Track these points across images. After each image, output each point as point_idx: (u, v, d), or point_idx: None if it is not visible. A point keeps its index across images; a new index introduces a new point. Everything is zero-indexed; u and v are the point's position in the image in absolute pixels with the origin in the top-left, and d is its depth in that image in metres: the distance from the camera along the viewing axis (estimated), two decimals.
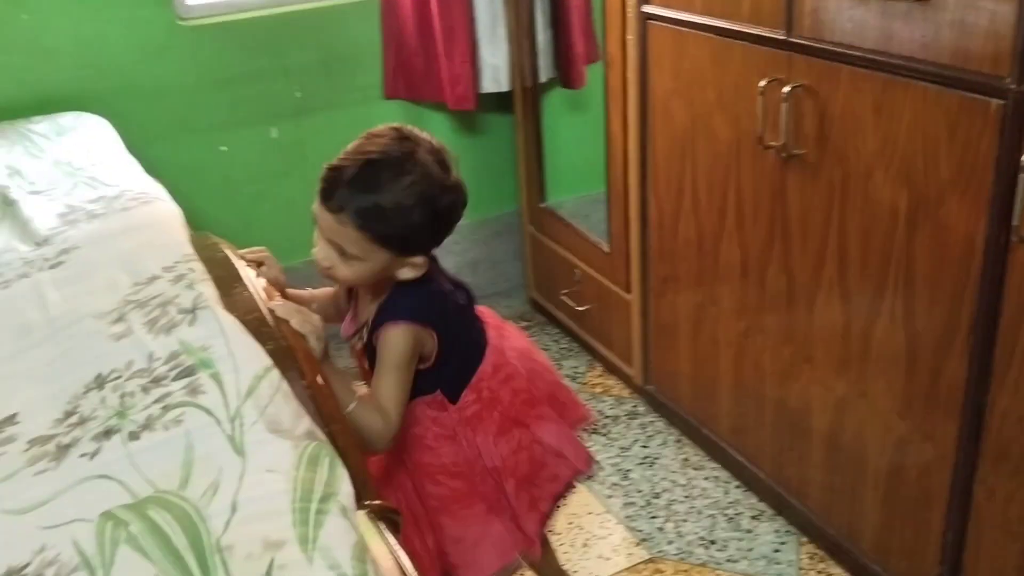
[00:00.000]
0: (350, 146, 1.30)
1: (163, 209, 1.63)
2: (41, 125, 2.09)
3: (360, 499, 1.02)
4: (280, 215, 2.60)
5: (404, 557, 0.96)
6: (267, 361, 1.09)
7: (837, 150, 1.54)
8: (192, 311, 1.19)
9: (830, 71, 1.51)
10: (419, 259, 1.32)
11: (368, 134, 1.31)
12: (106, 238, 1.49)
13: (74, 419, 1.03)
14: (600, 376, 2.50)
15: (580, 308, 2.54)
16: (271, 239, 2.60)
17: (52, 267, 1.42)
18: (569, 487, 1.53)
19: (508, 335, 1.51)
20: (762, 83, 1.63)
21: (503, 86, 2.56)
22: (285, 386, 1.06)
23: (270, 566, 0.79)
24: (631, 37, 2.00)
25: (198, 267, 1.31)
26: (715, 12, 1.74)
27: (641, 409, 2.35)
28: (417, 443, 1.43)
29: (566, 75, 2.56)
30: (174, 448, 0.96)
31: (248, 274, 1.35)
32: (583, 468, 1.51)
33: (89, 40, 2.24)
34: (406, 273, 1.33)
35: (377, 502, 1.04)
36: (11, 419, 1.05)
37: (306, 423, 1.02)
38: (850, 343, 1.61)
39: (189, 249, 1.38)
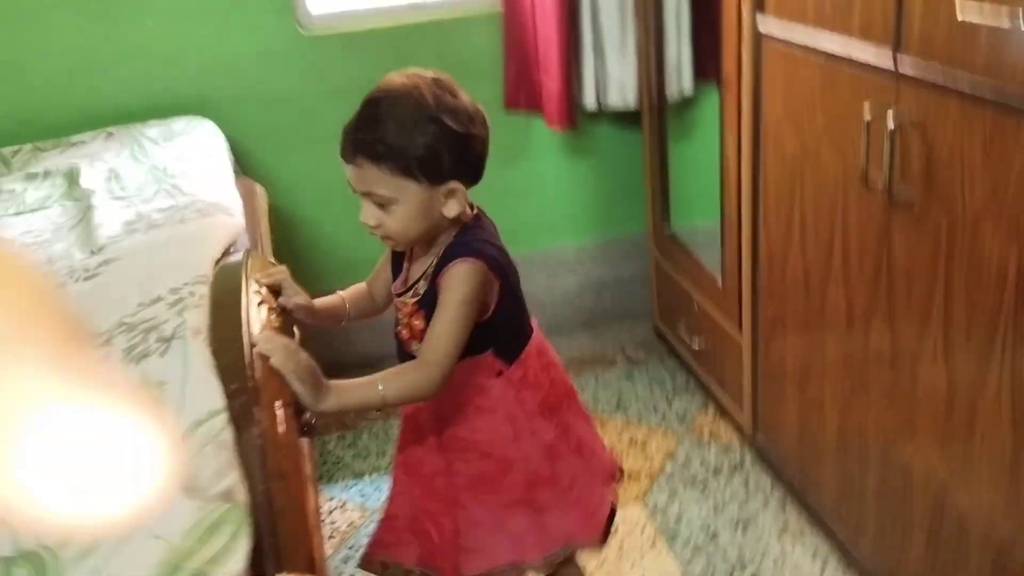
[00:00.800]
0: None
1: (216, 223, 1.61)
2: (154, 130, 2.15)
3: (285, 565, 0.93)
4: None
5: None
6: (217, 405, 1.02)
7: (943, 195, 1.28)
8: (169, 340, 1.14)
9: (938, 103, 1.26)
10: (454, 185, 1.26)
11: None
12: (143, 252, 1.48)
13: None
14: (711, 420, 2.29)
15: (696, 344, 2.34)
16: (380, 252, 2.58)
17: (87, 279, 1.42)
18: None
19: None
20: (867, 115, 1.39)
21: (630, 103, 2.40)
22: (225, 434, 0.99)
23: None
24: (746, 56, 1.80)
25: (201, 291, 1.27)
26: (826, 23, 1.51)
27: (747, 462, 2.12)
28: (456, 412, 1.37)
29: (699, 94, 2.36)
30: None
31: (254, 301, 1.28)
32: (614, 468, 1.50)
33: (211, 47, 2.29)
34: (451, 208, 1.27)
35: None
36: None
37: (230, 481, 0.94)
38: (954, 414, 1.35)
39: (205, 270, 1.34)
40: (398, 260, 1.42)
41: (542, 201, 2.65)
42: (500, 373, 1.36)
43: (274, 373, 1.14)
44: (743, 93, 1.84)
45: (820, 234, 1.65)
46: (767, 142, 1.80)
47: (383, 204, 1.26)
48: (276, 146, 2.41)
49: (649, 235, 2.57)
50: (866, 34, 1.40)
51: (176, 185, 1.83)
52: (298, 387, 1.16)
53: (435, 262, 1.31)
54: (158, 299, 1.26)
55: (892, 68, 1.34)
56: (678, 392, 2.42)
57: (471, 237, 1.32)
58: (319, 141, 2.42)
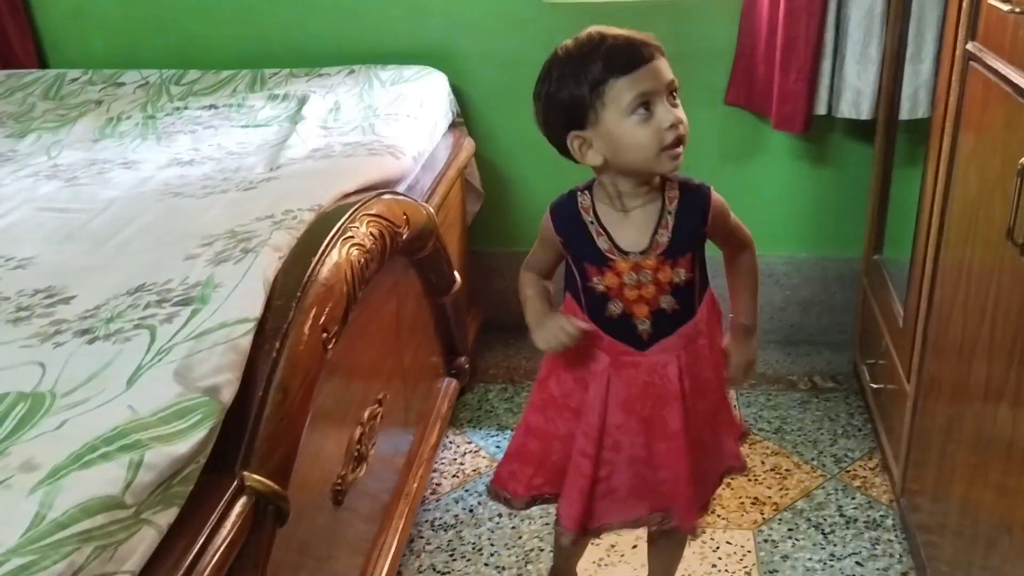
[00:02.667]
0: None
1: (375, 162, 1.76)
2: (388, 72, 2.34)
3: (251, 466, 1.04)
4: None
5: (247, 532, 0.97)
6: (250, 313, 1.14)
7: None
8: (247, 252, 1.28)
9: None
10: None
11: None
12: (296, 176, 1.66)
13: (91, 312, 1.19)
14: (869, 468, 2.11)
15: (875, 385, 2.16)
16: None
17: (246, 190, 1.62)
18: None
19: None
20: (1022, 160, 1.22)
21: (863, 114, 2.23)
22: (243, 341, 1.11)
23: (7, 480, 0.85)
24: (954, 83, 1.61)
25: (306, 217, 1.40)
26: (1018, 57, 1.33)
27: (888, 522, 1.94)
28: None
29: None
30: (98, 360, 1.06)
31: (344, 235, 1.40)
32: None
33: (458, 4, 2.43)
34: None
35: (259, 478, 1.04)
36: (67, 299, 1.24)
37: (222, 379, 1.05)
38: None
39: (324, 201, 1.48)
40: (579, 233, 1.37)
41: (757, 205, 2.54)
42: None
43: (336, 301, 1.25)
44: (947, 123, 1.66)
45: (977, 293, 1.47)
46: (957, 179, 1.61)
47: (675, 97, 1.27)
48: (501, 105, 2.51)
49: (864, 260, 2.39)
50: None
51: (373, 124, 1.99)
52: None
53: (666, 209, 1.34)
54: (270, 216, 1.42)
55: None
56: (848, 433, 2.25)
57: (684, 176, 1.37)
58: None
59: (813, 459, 2.15)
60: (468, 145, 2.35)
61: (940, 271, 1.69)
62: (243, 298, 1.17)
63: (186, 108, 2.20)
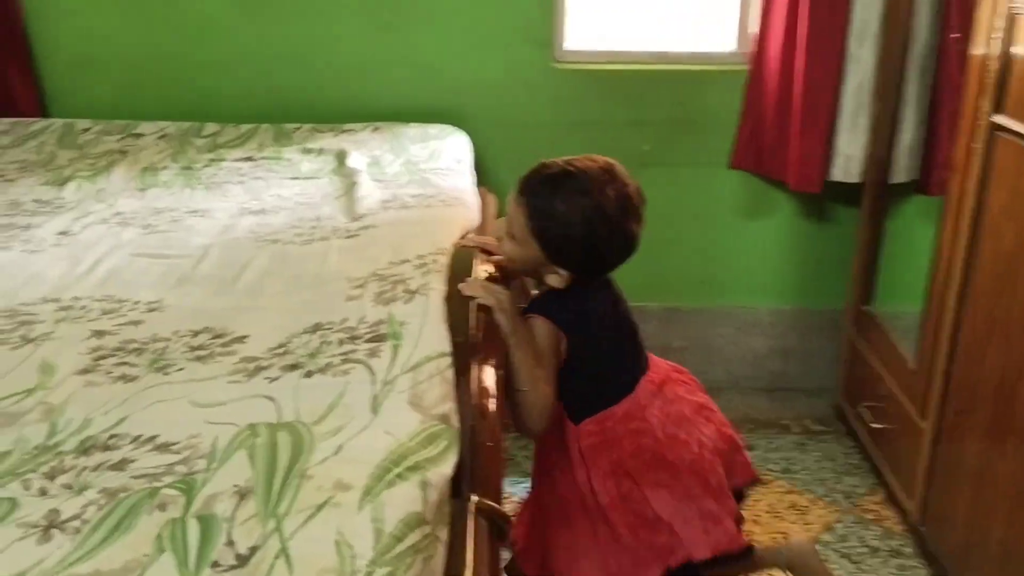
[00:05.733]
0: (570, 157, 1.46)
1: (456, 213, 1.82)
2: (413, 130, 2.42)
3: (476, 490, 1.09)
4: None
5: (486, 551, 1.01)
6: (445, 348, 1.20)
7: None
8: (414, 293, 1.34)
9: None
10: (564, 272, 1.44)
11: (587, 156, 1.46)
12: (396, 224, 1.71)
13: (281, 350, 1.22)
14: (878, 503, 2.29)
15: (876, 425, 2.35)
16: None
17: (348, 237, 1.66)
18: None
19: (675, 396, 1.56)
20: None
21: (853, 177, 2.46)
22: (448, 373, 1.16)
23: (326, 501, 0.89)
24: (977, 146, 1.84)
25: (443, 260, 1.47)
26: None
27: (907, 550, 2.11)
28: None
29: (925, 180, 2.39)
30: (330, 391, 1.10)
31: (479, 271, 1.47)
32: (695, 555, 1.46)
33: (473, 66, 2.54)
34: (552, 280, 1.46)
35: (488, 502, 1.09)
36: (243, 339, 1.26)
37: (448, 407, 1.11)
38: None
39: (447, 245, 1.54)
40: None
41: (746, 258, 2.74)
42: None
43: (491, 331, 1.32)
44: (968, 182, 1.88)
45: (1021, 336, 1.66)
46: (985, 234, 1.82)
47: (510, 233, 1.47)
48: (512, 165, 2.61)
49: (848, 311, 2.60)
50: None
51: (427, 178, 2.06)
52: (500, 318, 1.35)
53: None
54: (406, 261, 1.47)
55: None
56: (849, 471, 2.43)
57: (556, 296, 1.48)
58: None
59: (825, 496, 2.31)
60: (492, 200, 2.44)
61: (967, 317, 1.89)
62: (433, 334, 1.23)
63: (222, 160, 2.21)
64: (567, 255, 1.42)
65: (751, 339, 2.80)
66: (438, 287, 1.36)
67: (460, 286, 1.38)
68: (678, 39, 2.65)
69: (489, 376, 1.25)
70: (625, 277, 2.69)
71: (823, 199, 2.62)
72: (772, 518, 2.21)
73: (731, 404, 2.72)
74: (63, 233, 1.72)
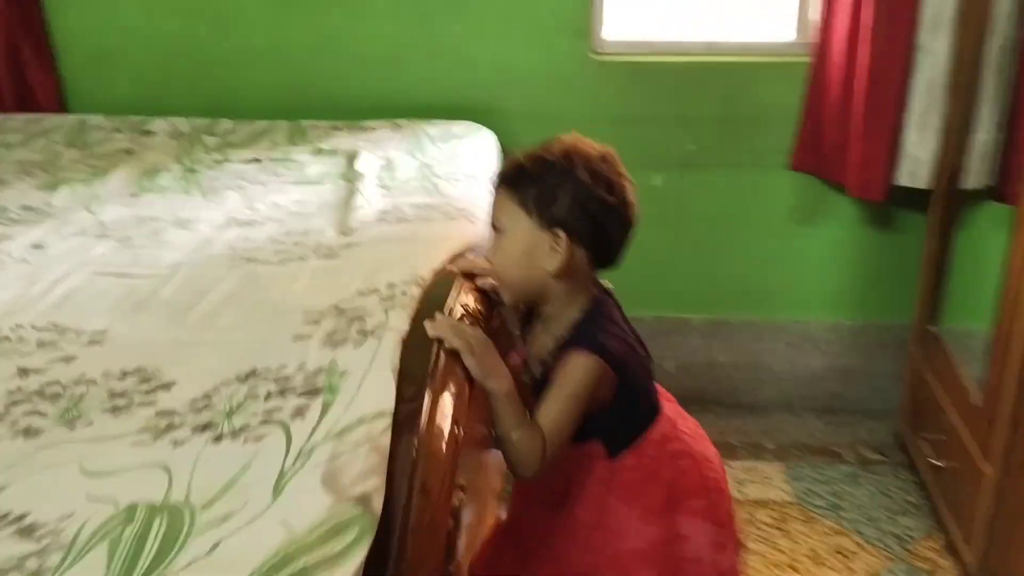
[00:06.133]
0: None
1: (456, 227, 1.66)
2: (435, 128, 2.26)
3: None
4: (639, 262, 2.50)
5: None
6: (385, 406, 1.04)
7: None
8: (367, 334, 1.18)
9: None
10: (561, 237, 1.26)
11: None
12: (381, 243, 1.56)
13: (203, 403, 1.08)
14: (933, 549, 2.05)
15: (936, 462, 2.10)
16: (623, 284, 2.54)
17: (327, 257, 1.52)
18: None
19: (683, 414, 1.44)
20: None
21: (921, 183, 2.20)
22: (384, 439, 1.01)
23: None
24: None
25: (413, 292, 1.30)
26: None
27: None
28: (556, 494, 1.37)
29: (1002, 187, 2.12)
30: (233, 463, 0.95)
31: (456, 304, 1.31)
32: None
33: (506, 59, 2.37)
34: (550, 261, 1.27)
35: None
36: (169, 385, 1.13)
37: (371, 485, 0.95)
38: None
39: (425, 273, 1.38)
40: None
41: (804, 268, 2.50)
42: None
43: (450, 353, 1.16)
44: None
45: None
46: None
47: (496, 230, 1.31)
48: None
49: (913, 330, 2.35)
50: None
51: (437, 185, 1.90)
52: (470, 362, 1.18)
53: (563, 341, 1.31)
54: (374, 291, 1.32)
55: None
56: (905, 510, 2.19)
57: (598, 324, 1.31)
58: None
59: (876, 539, 2.08)
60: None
61: None
62: (375, 388, 1.07)
63: (227, 161, 2.09)
64: (558, 209, 1.26)
65: (805, 356, 2.57)
66: (397, 327, 1.20)
67: (425, 324, 1.21)
68: (729, 28, 2.42)
69: (443, 433, 1.08)
70: (668, 286, 2.52)
71: (888, 204, 2.36)
72: (813, 564, 2.00)
73: (781, 427, 2.51)
74: (36, 246, 1.62)
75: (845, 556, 2.02)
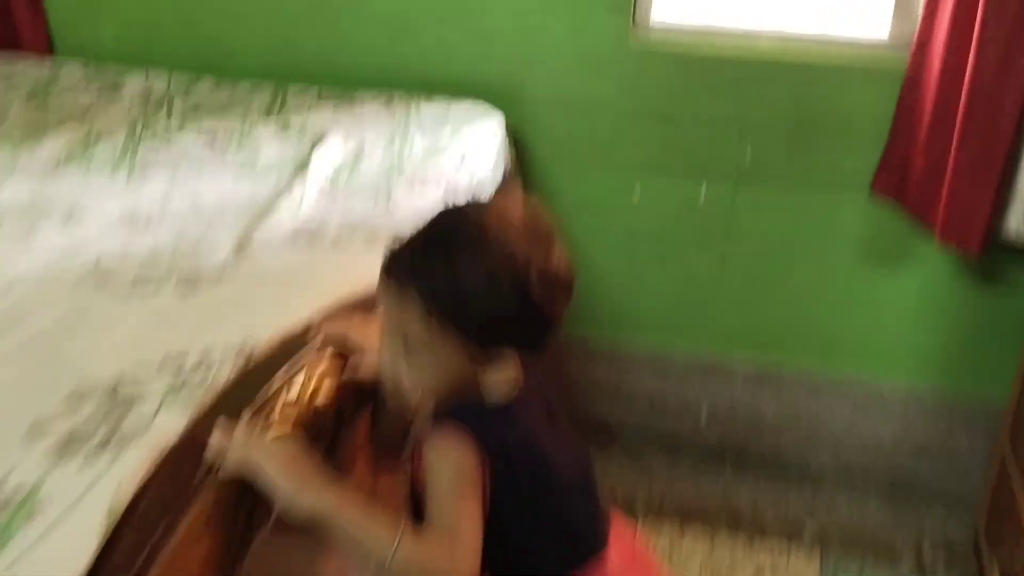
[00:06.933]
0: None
1: (368, 263, 1.30)
2: (432, 108, 1.90)
3: None
4: (675, 288, 2.11)
5: None
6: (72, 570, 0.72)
7: None
8: (106, 442, 0.85)
9: None
10: (508, 359, 0.98)
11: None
12: (259, 276, 1.23)
13: None
14: None
15: None
16: (652, 313, 2.14)
17: (183, 290, 1.21)
18: None
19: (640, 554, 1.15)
20: None
21: None
22: None
23: None
24: None
25: (222, 374, 0.96)
26: None
27: None
28: None
29: None
30: None
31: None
32: None
33: (531, 30, 1.96)
34: (497, 385, 0.99)
35: None
36: None
37: None
38: None
39: (259, 339, 1.04)
40: None
41: (877, 316, 2.02)
42: None
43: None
44: None
45: None
46: None
47: (408, 346, 0.95)
48: (569, 160, 2.05)
49: (1007, 417, 1.85)
50: None
51: (392, 190, 1.57)
52: (265, 477, 0.85)
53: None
54: (179, 361, 0.99)
55: None
56: None
57: (476, 408, 0.98)
58: (616, 165, 2.04)
59: None
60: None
61: None
62: (69, 539, 0.74)
63: (182, 131, 1.79)
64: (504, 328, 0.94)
65: (872, 422, 2.10)
66: (153, 437, 0.86)
67: (212, 439, 0.87)
68: (808, 18, 1.93)
69: None
70: (709, 319, 2.09)
71: (992, 257, 1.85)
72: None
73: (834, 505, 2.08)
74: None
75: None
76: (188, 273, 1.24)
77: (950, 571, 1.91)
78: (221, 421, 0.88)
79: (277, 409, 0.93)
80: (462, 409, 0.96)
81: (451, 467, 0.92)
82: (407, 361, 0.95)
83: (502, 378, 0.99)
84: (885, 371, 2.06)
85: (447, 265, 0.92)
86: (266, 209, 1.46)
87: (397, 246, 0.97)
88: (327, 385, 1.01)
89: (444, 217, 0.96)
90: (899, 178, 1.83)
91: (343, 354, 1.06)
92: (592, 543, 1.08)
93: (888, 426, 2.09)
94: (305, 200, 1.50)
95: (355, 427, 1.08)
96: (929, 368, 2.03)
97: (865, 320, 2.03)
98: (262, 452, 0.86)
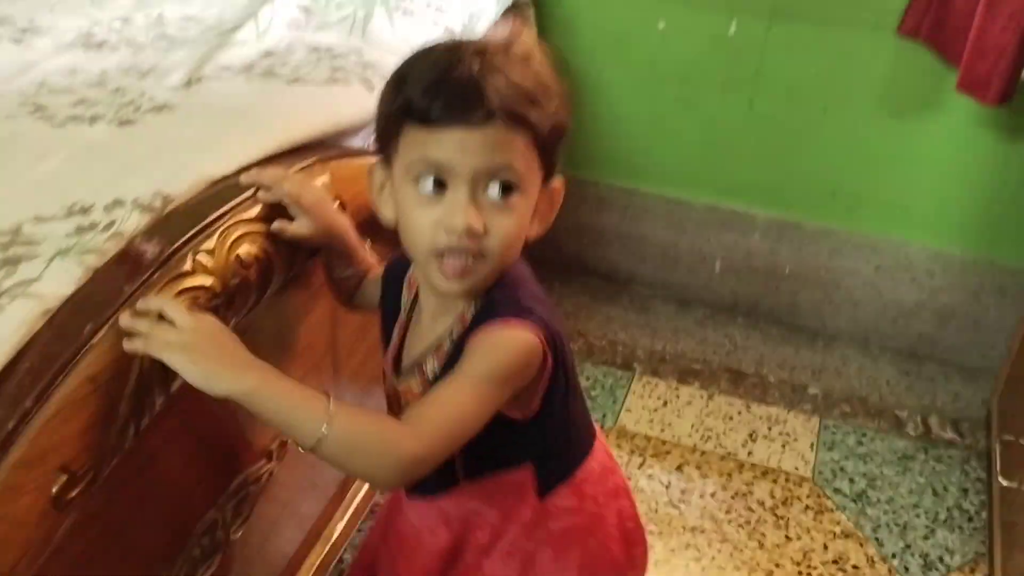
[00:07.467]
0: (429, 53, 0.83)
1: (325, 102, 1.19)
2: None
3: None
4: (697, 134, 1.96)
5: None
6: None
7: None
8: (8, 293, 0.80)
9: None
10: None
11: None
12: (201, 109, 1.15)
13: None
14: None
15: (1006, 481, 1.56)
16: (671, 159, 2.00)
17: (121, 123, 1.11)
18: None
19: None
20: None
21: None
22: None
23: None
24: None
25: (132, 222, 0.89)
26: None
27: None
28: (464, 541, 1.01)
29: None
30: None
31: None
32: None
33: None
34: (535, 226, 0.88)
35: None
36: None
37: None
38: None
39: (187, 184, 0.95)
40: (389, 314, 0.99)
41: (911, 176, 1.87)
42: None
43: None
44: None
45: None
46: None
47: (509, 190, 0.81)
48: None
49: None
50: None
51: (369, 19, 1.44)
52: (176, 360, 0.77)
53: (458, 328, 0.87)
54: (87, 210, 0.91)
55: None
56: (952, 521, 1.67)
57: (520, 292, 0.86)
58: None
59: (894, 555, 1.60)
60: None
61: None
62: None
63: None
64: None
65: (896, 284, 1.98)
66: (40, 293, 0.80)
67: (123, 320, 0.80)
68: None
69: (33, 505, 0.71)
70: (730, 168, 1.95)
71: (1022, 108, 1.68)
72: (799, 574, 1.56)
73: (840, 367, 2.00)
74: None
75: (844, 572, 1.57)
76: (129, 107, 1.15)
77: (953, 445, 1.83)
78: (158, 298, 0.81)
79: (188, 260, 0.86)
80: (509, 301, 0.84)
81: (496, 361, 0.81)
82: (500, 216, 0.81)
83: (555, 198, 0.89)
84: (913, 231, 1.92)
85: (541, 87, 0.81)
86: (226, 36, 1.35)
87: (452, 83, 0.79)
88: (253, 239, 0.93)
89: (469, 45, 0.82)
90: (932, 15, 1.64)
91: (277, 207, 0.97)
92: (590, 438, 1.03)
93: (912, 290, 1.98)
94: (270, 27, 1.38)
95: (308, 273, 1.02)
96: (960, 230, 1.88)
97: (894, 177, 1.88)
98: (169, 332, 0.79)
